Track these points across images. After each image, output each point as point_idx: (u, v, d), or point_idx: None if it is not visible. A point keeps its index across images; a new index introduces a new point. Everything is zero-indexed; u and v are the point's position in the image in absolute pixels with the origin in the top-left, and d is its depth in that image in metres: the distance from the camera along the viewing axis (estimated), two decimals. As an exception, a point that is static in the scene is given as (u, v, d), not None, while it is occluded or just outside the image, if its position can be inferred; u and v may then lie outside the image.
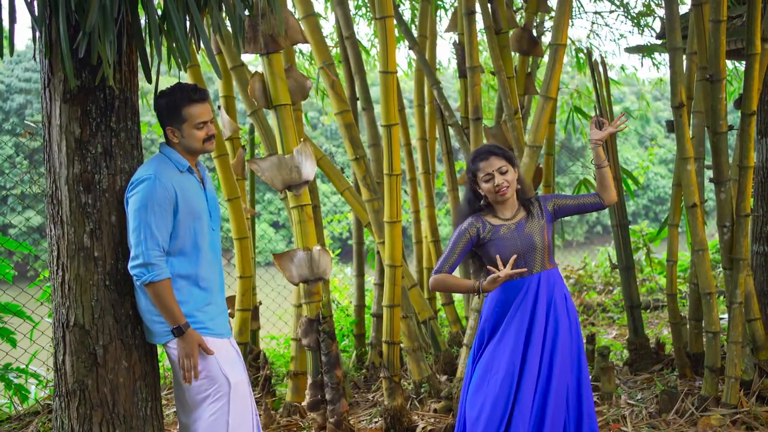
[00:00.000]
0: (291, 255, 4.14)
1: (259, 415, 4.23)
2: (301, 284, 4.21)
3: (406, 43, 5.89)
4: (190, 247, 2.91)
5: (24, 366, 5.17)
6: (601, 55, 8.12)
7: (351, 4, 7.18)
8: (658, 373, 5.12)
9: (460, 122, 5.51)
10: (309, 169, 4.10)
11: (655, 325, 7.10)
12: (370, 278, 6.22)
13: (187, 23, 2.80)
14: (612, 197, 3.33)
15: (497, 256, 3.16)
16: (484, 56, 7.60)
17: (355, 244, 5.83)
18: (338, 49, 5.76)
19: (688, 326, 5.11)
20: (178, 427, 3.19)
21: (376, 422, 4.52)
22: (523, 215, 3.28)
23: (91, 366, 2.90)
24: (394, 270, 4.45)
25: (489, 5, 5.05)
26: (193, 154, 3.00)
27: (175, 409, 3.64)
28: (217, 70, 3.04)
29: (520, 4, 6.56)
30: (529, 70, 5.38)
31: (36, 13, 2.65)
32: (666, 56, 6.95)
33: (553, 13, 4.80)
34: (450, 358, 5.28)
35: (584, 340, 3.78)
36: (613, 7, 7.74)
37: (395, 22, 4.90)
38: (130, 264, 2.82)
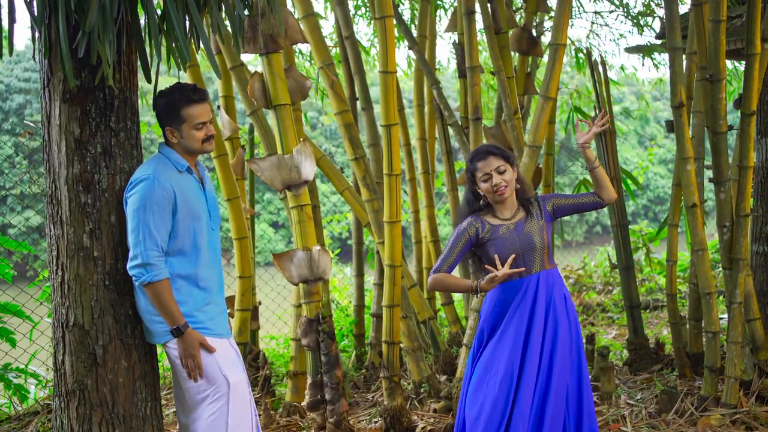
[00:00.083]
0: (290, 255, 4.14)
1: (259, 415, 4.23)
2: (300, 284, 4.20)
3: (406, 43, 5.88)
4: (190, 247, 2.91)
5: (23, 366, 5.16)
6: (600, 55, 8.14)
7: (351, 4, 7.17)
8: (658, 373, 5.12)
9: (459, 122, 5.51)
10: (308, 169, 4.10)
11: (654, 325, 7.09)
12: (370, 278, 6.22)
13: (187, 23, 2.80)
14: (611, 195, 3.33)
15: (496, 256, 3.17)
16: (484, 56, 7.59)
17: (354, 244, 5.82)
18: (338, 49, 5.76)
19: (687, 326, 5.11)
20: (177, 427, 3.19)
21: (375, 422, 4.51)
22: (523, 215, 3.28)
23: (90, 366, 2.90)
24: (394, 270, 4.45)
25: (489, 5, 5.05)
26: (192, 155, 2.99)
27: (174, 409, 3.64)
28: (216, 70, 3.04)
29: (520, 4, 6.55)
30: (528, 70, 5.38)
31: (35, 13, 2.65)
32: (666, 56, 6.94)
33: (552, 13, 4.80)
34: (449, 358, 5.28)
35: (584, 340, 3.78)
36: (613, 7, 7.74)
37: (395, 21, 4.90)
38: (129, 264, 2.82)
